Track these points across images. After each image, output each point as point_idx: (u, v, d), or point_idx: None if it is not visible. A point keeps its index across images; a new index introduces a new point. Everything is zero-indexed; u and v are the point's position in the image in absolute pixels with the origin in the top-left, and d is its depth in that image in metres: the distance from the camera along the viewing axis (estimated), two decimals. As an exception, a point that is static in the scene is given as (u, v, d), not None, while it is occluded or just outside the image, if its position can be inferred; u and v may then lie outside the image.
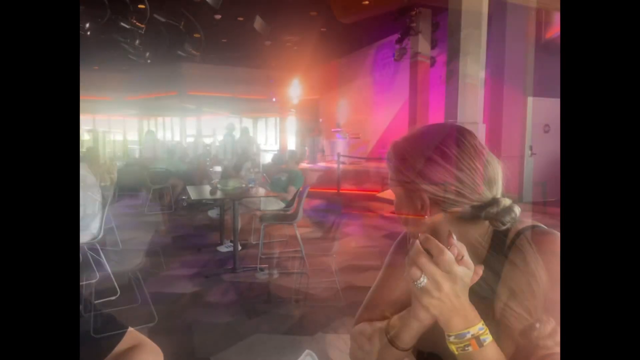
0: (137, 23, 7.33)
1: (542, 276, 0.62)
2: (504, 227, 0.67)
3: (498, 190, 0.70)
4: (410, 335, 0.68)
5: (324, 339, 2.43)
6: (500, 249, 0.70)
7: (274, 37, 10.03)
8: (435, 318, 0.60)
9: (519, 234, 0.69)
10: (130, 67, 13.78)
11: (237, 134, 9.63)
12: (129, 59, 12.03)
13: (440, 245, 0.58)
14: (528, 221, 0.71)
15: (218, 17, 8.40)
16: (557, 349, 0.58)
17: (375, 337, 0.74)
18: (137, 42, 7.53)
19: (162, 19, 5.35)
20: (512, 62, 7.03)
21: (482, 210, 0.67)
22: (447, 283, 0.57)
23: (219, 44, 10.96)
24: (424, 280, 0.58)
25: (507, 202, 0.67)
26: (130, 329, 0.84)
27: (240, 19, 8.64)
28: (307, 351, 0.51)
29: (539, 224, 0.71)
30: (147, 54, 7.61)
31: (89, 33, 8.20)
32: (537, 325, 0.61)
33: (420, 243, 0.59)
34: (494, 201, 0.67)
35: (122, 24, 7.20)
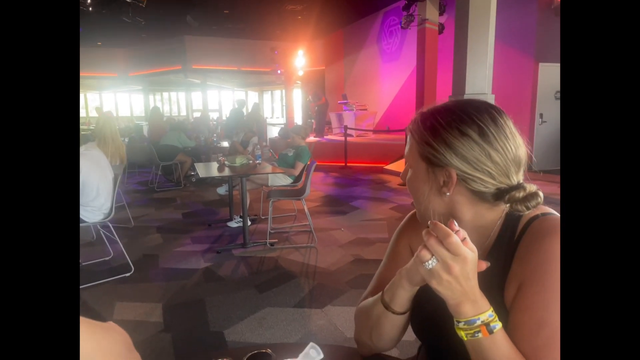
0: (137, -4, 7.18)
1: (552, 265, 0.61)
2: (526, 212, 0.66)
3: (522, 175, 0.69)
4: (403, 298, 0.69)
5: (333, 312, 2.50)
6: (511, 235, 0.69)
7: (279, 6, 9.76)
8: (425, 281, 0.61)
9: (530, 220, 0.68)
10: (134, 42, 13.62)
11: (245, 109, 9.54)
12: (132, 33, 11.86)
13: (447, 229, 0.58)
14: (541, 208, 0.69)
15: (219, -13, 8.16)
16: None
17: (374, 307, 0.75)
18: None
19: None
20: (522, 27, 6.78)
21: (507, 194, 0.66)
22: (457, 265, 0.57)
23: (222, 16, 10.71)
24: (433, 262, 0.58)
25: (532, 187, 0.66)
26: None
27: (242, -12, 8.38)
28: (310, 344, 0.53)
29: (552, 211, 0.70)
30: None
31: (90, 9, 8.07)
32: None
33: (429, 228, 0.60)
34: (520, 186, 0.66)
35: (123, -3, 7.05)
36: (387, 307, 0.72)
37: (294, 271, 3.14)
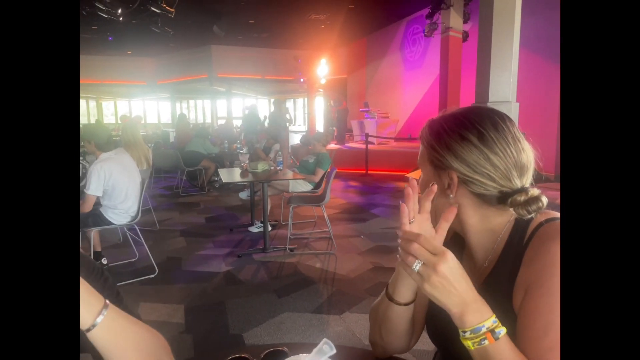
0: (167, 7, 7.45)
1: (558, 269, 0.60)
2: (528, 216, 0.67)
3: (527, 180, 0.70)
4: (406, 288, 0.72)
5: (352, 319, 2.49)
6: (520, 239, 0.69)
7: (303, 16, 9.91)
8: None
9: (540, 225, 0.68)
10: (163, 51, 14.08)
11: (261, 114, 9.56)
12: (161, 43, 12.24)
13: (413, 232, 0.62)
14: (551, 213, 0.70)
15: (245, -2, 8.37)
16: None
17: (381, 302, 0.78)
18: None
19: None
20: (548, 34, 6.64)
21: (509, 197, 0.67)
22: (439, 262, 0.58)
23: (247, 26, 10.95)
24: (418, 264, 0.60)
25: (535, 192, 0.67)
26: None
27: (267, -1, 8.56)
28: (324, 340, 0.54)
29: (559, 216, 0.69)
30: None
31: (121, 19, 8.40)
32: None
33: (401, 236, 0.63)
34: (522, 189, 0.67)
35: (153, 8, 7.32)
36: (391, 299, 0.75)
37: (312, 277, 3.15)
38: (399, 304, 0.74)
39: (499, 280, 0.70)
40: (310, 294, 2.86)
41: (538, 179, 0.73)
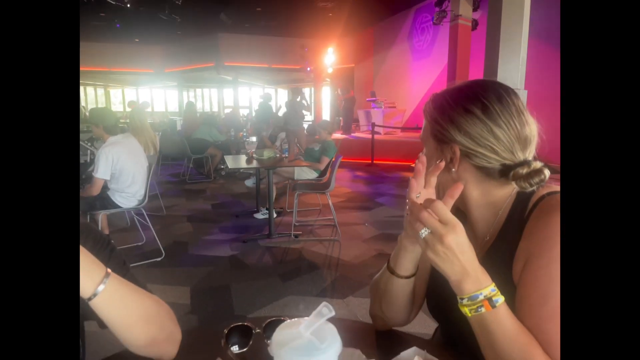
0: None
1: (557, 240, 0.61)
2: (530, 189, 0.67)
3: (530, 153, 0.70)
4: (407, 260, 0.74)
5: (355, 303, 2.52)
6: (521, 213, 0.70)
7: (310, 3, 9.82)
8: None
9: (541, 198, 0.68)
10: (170, 39, 14.06)
11: (275, 104, 9.53)
12: (169, 30, 12.23)
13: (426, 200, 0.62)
14: (553, 186, 0.70)
15: (252, -15, 8.30)
16: (557, 337, 0.58)
17: (382, 276, 0.79)
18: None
19: None
20: (558, 24, 6.53)
21: (512, 170, 0.67)
22: (447, 234, 0.59)
23: (254, 13, 10.89)
24: (425, 232, 0.61)
25: (537, 164, 0.67)
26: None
27: (275, -14, 8.49)
28: (323, 303, 0.56)
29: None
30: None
31: (129, 5, 8.38)
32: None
33: (410, 204, 0.64)
34: (525, 162, 0.67)
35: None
36: (392, 272, 0.76)
37: (317, 262, 3.18)
38: (400, 277, 0.75)
39: (499, 253, 0.71)
40: (314, 278, 2.89)
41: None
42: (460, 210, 0.78)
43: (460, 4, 6.68)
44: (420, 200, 0.66)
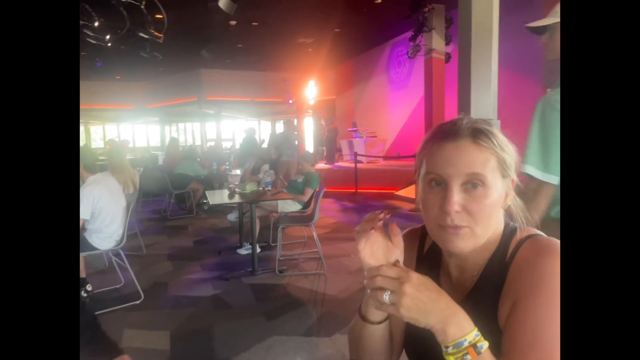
0: (155, 33, 7.54)
1: (545, 284, 0.61)
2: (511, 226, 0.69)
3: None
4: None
5: (342, 341, 2.46)
6: (502, 255, 0.70)
7: (290, 40, 10.11)
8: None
9: (522, 241, 0.68)
10: (152, 76, 14.18)
11: (259, 137, 9.55)
12: (150, 67, 12.31)
13: (374, 266, 0.65)
14: (531, 229, 0.71)
15: (233, 23, 8.53)
16: None
17: (356, 322, 0.78)
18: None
19: None
20: (529, 55, 6.86)
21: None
22: (405, 282, 0.59)
23: (235, 50, 11.13)
24: (387, 295, 0.60)
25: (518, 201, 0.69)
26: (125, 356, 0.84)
27: (255, 23, 8.75)
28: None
29: (541, 233, 0.70)
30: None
31: (109, 44, 8.46)
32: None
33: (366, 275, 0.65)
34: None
35: (141, 34, 7.41)
36: (364, 318, 0.75)
37: (302, 298, 3.11)
38: (373, 323, 0.74)
39: (482, 295, 0.70)
40: (299, 316, 2.81)
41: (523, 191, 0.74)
42: (436, 248, 0.77)
43: (432, 39, 6.98)
44: (369, 244, 0.70)
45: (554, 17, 1.39)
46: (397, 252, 0.71)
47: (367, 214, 0.74)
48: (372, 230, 0.71)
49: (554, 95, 1.31)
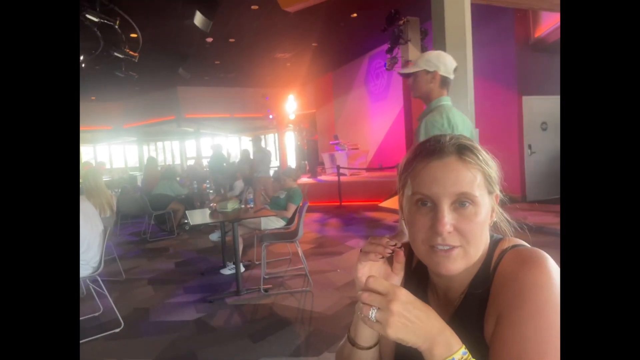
0: (130, 52, 7.45)
1: (528, 297, 0.60)
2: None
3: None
4: (367, 331, 0.69)
5: (330, 359, 2.38)
6: (486, 267, 0.68)
7: (268, 55, 10.13)
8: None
9: (503, 253, 0.67)
10: (128, 95, 13.98)
11: (226, 153, 9.41)
12: (126, 87, 12.16)
13: (363, 280, 0.63)
14: (513, 239, 0.70)
15: (210, 40, 8.51)
16: None
17: (345, 346, 0.75)
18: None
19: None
20: (503, 63, 7.06)
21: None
22: (392, 300, 0.57)
23: (213, 66, 11.09)
24: (374, 311, 0.58)
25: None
26: None
27: (232, 40, 8.75)
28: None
29: (523, 243, 0.69)
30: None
31: (83, 65, 8.31)
32: None
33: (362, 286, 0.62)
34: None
35: (116, 54, 7.31)
36: (353, 343, 0.71)
37: (289, 317, 3.03)
38: (362, 348, 0.70)
39: (469, 311, 0.68)
40: (286, 336, 2.73)
41: (505, 201, 0.73)
42: (422, 267, 0.75)
43: (409, 50, 7.09)
44: (367, 265, 0.69)
45: (415, 67, 1.96)
46: (396, 279, 0.69)
47: (375, 237, 0.70)
48: (379, 258, 0.69)
49: (432, 117, 1.94)
